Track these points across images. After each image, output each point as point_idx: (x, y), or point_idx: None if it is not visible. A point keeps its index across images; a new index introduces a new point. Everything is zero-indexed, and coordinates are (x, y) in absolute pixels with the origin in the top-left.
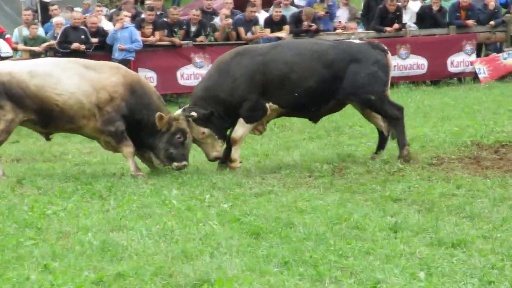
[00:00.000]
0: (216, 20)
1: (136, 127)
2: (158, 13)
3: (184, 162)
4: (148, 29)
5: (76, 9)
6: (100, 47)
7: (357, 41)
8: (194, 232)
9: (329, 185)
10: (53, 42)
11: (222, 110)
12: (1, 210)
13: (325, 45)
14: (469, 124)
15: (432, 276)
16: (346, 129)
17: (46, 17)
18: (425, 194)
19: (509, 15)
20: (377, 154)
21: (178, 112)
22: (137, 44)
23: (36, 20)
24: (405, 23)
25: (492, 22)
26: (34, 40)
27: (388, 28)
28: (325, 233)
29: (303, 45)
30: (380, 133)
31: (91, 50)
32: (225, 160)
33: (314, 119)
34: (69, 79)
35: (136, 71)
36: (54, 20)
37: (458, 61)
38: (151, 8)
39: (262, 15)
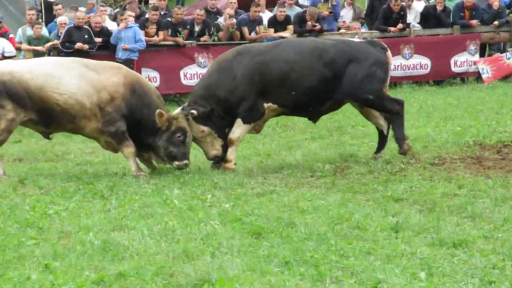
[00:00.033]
0: (220, 20)
1: (136, 127)
2: (162, 13)
3: (185, 161)
4: (152, 29)
5: (80, 8)
6: (104, 47)
7: (356, 39)
8: (195, 232)
9: (331, 185)
10: (56, 42)
11: (221, 109)
12: (2, 210)
13: (325, 44)
14: (471, 124)
15: (433, 276)
16: (348, 129)
17: (50, 17)
18: (427, 194)
19: None
20: (377, 154)
21: (177, 111)
22: (140, 44)
23: (40, 20)
24: (409, 23)
25: (496, 22)
26: (38, 39)
27: (392, 28)
28: (326, 233)
29: (303, 43)
30: (380, 132)
31: (94, 50)
32: (220, 160)
33: (313, 118)
34: (70, 79)
35: (140, 70)
36: (58, 19)
37: (461, 61)
38: (155, 8)
39: (266, 15)
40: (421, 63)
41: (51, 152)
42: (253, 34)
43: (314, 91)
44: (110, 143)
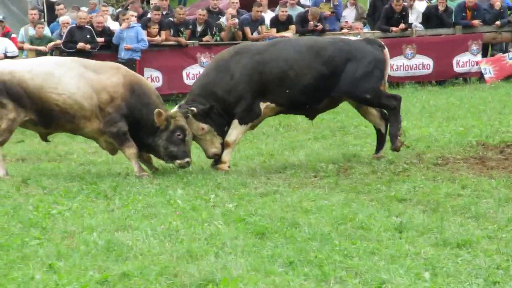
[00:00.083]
0: (222, 20)
1: (135, 127)
2: (164, 12)
3: (187, 159)
4: (154, 28)
5: (82, 8)
6: (106, 47)
7: (353, 37)
8: (199, 232)
9: (334, 185)
10: (59, 41)
11: (219, 108)
12: (6, 210)
13: (323, 42)
14: (474, 124)
15: (437, 276)
16: (351, 129)
17: (52, 17)
18: (430, 194)
19: None
20: (377, 154)
21: (174, 109)
22: (143, 43)
23: (42, 20)
24: (411, 23)
25: (498, 22)
26: (40, 39)
27: (394, 28)
28: (330, 233)
29: (301, 41)
30: (378, 131)
31: (96, 50)
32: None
33: (311, 115)
34: (70, 79)
35: (142, 70)
36: (61, 19)
37: (464, 61)
38: (157, 8)
39: (268, 15)
40: (423, 63)
41: (54, 152)
42: (255, 34)
43: (312, 89)
44: (111, 144)
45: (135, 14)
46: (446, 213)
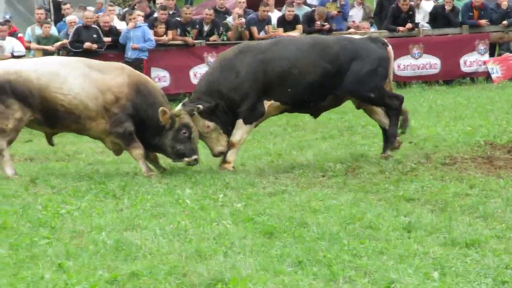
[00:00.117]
0: (229, 20)
1: (141, 127)
2: (171, 12)
3: (194, 156)
4: (161, 28)
5: (88, 8)
6: (113, 47)
7: (357, 36)
8: (207, 231)
9: (342, 185)
10: (65, 41)
11: (224, 105)
12: (15, 209)
13: (328, 40)
14: (482, 124)
15: (446, 276)
16: (359, 129)
17: (59, 16)
18: (438, 193)
19: None
20: (384, 153)
21: (178, 107)
22: (150, 43)
23: (49, 19)
24: (418, 23)
25: (505, 22)
26: (47, 39)
27: (401, 28)
28: (339, 233)
29: (304, 39)
30: (383, 129)
31: (103, 49)
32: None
33: (315, 113)
34: (74, 79)
35: (149, 70)
36: (68, 18)
37: (471, 61)
38: (164, 8)
39: (275, 15)
40: (430, 63)
41: (62, 152)
42: (262, 34)
43: (317, 86)
44: (117, 144)
45: (142, 13)
46: (454, 212)
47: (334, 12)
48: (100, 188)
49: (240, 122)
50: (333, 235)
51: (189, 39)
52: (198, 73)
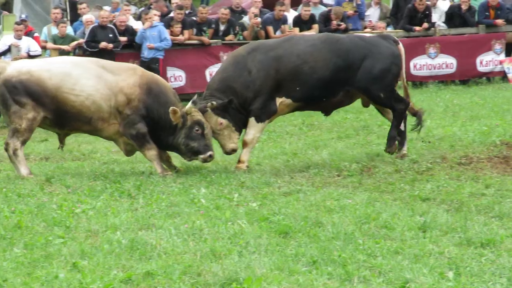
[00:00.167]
0: (245, 19)
1: (155, 127)
2: (187, 12)
3: (209, 152)
4: (177, 28)
5: (104, 7)
6: (129, 46)
7: (368, 34)
8: (222, 231)
9: (357, 184)
10: (81, 40)
11: (237, 103)
12: (30, 209)
13: (339, 36)
14: (498, 124)
15: (461, 275)
16: (375, 128)
17: (75, 16)
18: (454, 193)
19: None
20: (399, 153)
21: (188, 105)
22: (166, 42)
23: (65, 19)
24: (434, 22)
25: None
26: (63, 38)
27: (417, 28)
28: (354, 233)
29: (316, 36)
30: None
31: (119, 49)
32: None
33: (326, 111)
34: (87, 80)
35: (165, 70)
36: (84, 17)
37: (487, 61)
38: (180, 7)
39: (291, 14)
40: (446, 63)
41: (77, 151)
42: (278, 33)
43: (328, 81)
44: (129, 145)
45: (158, 13)
46: (469, 212)
47: (350, 11)
48: (115, 188)
49: (252, 120)
50: (348, 234)
51: (205, 39)
52: (214, 72)
